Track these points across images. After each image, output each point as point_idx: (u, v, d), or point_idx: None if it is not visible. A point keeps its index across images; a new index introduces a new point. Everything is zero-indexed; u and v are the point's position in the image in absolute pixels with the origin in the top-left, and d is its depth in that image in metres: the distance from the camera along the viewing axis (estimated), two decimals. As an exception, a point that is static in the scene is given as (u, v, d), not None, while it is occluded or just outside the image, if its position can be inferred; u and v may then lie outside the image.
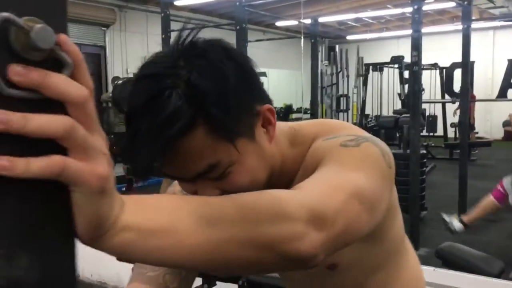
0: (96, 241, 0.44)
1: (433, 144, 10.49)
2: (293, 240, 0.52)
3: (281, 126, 0.82)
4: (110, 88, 7.97)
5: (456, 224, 4.03)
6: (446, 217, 4.09)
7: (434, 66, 10.33)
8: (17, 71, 0.36)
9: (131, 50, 10.31)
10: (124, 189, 6.42)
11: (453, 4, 7.37)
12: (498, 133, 10.90)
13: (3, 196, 0.36)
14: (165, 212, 0.48)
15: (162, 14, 5.35)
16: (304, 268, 0.55)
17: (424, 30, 4.45)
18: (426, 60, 4.89)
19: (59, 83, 0.37)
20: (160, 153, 0.65)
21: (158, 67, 0.68)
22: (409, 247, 0.99)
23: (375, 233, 0.79)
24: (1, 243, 0.35)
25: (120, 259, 0.47)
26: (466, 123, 5.56)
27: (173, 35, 0.76)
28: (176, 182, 0.92)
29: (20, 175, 0.36)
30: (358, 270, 0.89)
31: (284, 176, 0.79)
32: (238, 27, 5.00)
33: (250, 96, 0.72)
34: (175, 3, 8.55)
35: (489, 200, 3.99)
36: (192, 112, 0.64)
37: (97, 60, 10.31)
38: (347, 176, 0.65)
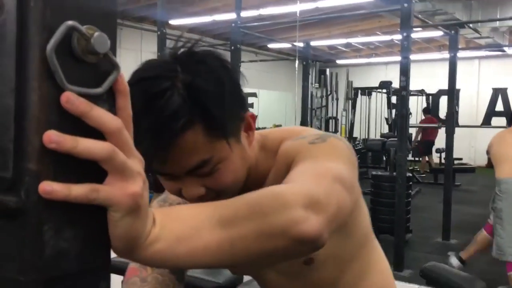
0: (129, 254, 0.48)
1: (418, 169, 10.64)
2: (297, 224, 0.57)
3: None
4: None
5: (454, 261, 4.22)
6: (449, 254, 4.40)
7: (421, 92, 10.56)
8: (69, 99, 0.40)
9: (125, 66, 10.30)
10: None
11: (440, 33, 7.59)
12: (482, 160, 11.10)
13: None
14: (187, 221, 0.52)
15: (159, 33, 5.44)
16: (316, 248, 0.61)
17: (412, 57, 4.58)
18: (413, 86, 5.04)
19: (100, 115, 0.42)
20: (164, 148, 0.72)
21: (158, 71, 0.74)
22: (376, 240, 1.06)
23: (347, 224, 0.89)
24: (52, 219, 0.40)
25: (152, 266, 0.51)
26: (451, 148, 5.69)
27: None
28: (164, 194, 0.98)
29: (60, 199, 0.40)
30: (333, 264, 0.95)
31: (257, 178, 0.87)
32: (232, 48, 5.14)
33: (238, 101, 0.80)
34: (170, 22, 8.69)
35: (483, 235, 4.16)
36: (191, 111, 0.72)
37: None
38: (325, 165, 0.73)
